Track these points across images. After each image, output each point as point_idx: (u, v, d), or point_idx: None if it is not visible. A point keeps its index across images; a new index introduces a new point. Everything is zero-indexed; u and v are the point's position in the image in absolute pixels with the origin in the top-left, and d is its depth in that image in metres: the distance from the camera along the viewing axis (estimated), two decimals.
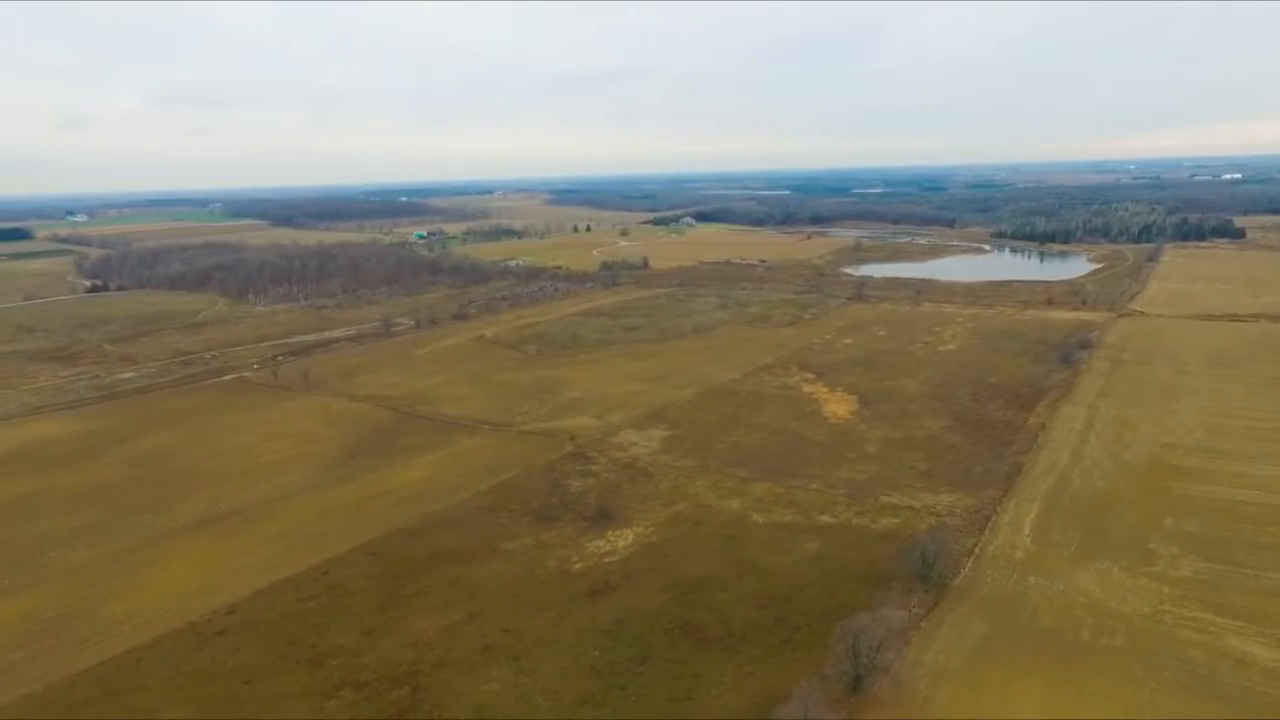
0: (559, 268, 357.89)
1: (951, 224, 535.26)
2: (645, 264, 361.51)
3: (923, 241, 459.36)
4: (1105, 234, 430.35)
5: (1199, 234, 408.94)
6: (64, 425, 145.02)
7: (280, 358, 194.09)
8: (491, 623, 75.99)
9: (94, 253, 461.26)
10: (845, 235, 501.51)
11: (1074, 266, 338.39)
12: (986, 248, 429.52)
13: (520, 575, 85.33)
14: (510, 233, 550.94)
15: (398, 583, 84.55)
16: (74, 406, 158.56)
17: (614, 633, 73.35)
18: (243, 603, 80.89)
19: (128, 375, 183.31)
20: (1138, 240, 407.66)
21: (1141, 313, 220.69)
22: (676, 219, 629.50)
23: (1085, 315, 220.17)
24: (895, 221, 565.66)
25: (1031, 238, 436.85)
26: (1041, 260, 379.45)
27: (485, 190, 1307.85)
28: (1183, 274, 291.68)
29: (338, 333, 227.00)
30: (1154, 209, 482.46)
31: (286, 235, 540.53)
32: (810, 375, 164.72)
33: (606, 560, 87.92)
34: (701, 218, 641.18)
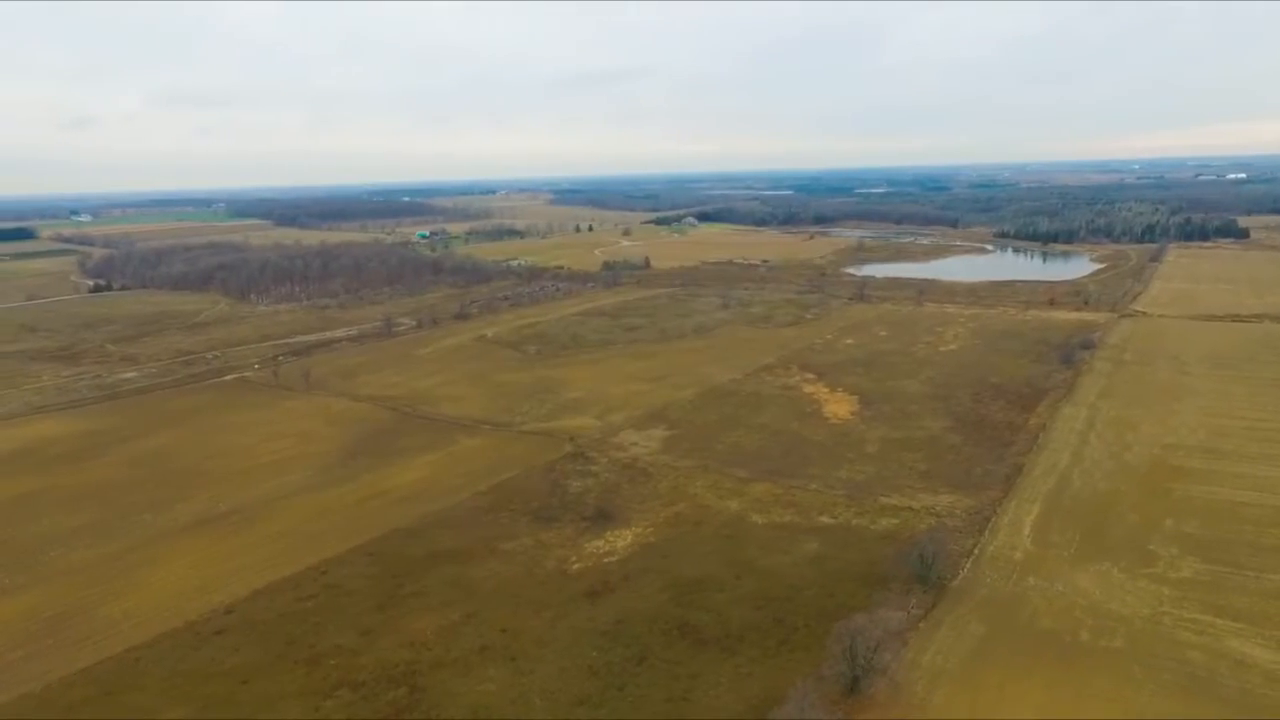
0: (561, 268, 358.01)
1: (954, 224, 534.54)
2: (647, 264, 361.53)
3: (925, 241, 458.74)
4: (1108, 234, 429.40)
5: (1202, 234, 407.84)
6: (65, 425, 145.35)
7: (281, 358, 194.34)
8: (489, 623, 75.98)
9: (97, 252, 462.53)
10: (848, 235, 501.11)
11: (1077, 267, 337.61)
12: (989, 248, 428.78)
13: (519, 575, 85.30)
14: (513, 233, 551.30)
15: (396, 583, 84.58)
16: (76, 406, 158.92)
17: (612, 633, 73.29)
18: (241, 602, 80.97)
19: (129, 375, 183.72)
20: (1141, 240, 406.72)
21: (1144, 313, 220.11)
22: (679, 219, 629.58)
23: (1087, 316, 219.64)
24: (898, 221, 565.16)
25: (1034, 238, 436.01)
26: (1044, 260, 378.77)
27: (488, 190, 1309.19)
28: (1186, 274, 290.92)
29: (339, 333, 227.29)
30: (1157, 209, 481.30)
31: (289, 235, 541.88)
32: (811, 375, 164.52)
33: (605, 560, 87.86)
34: (704, 218, 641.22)
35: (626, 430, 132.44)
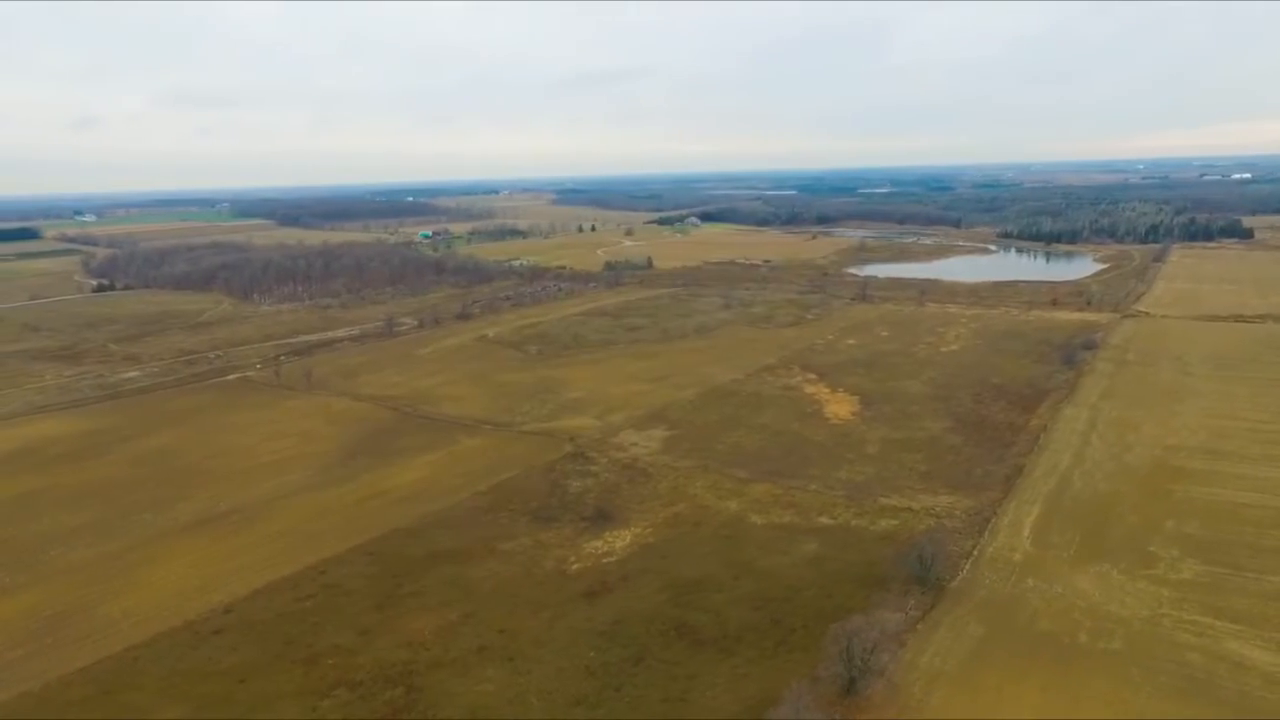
0: (563, 268, 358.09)
1: (957, 224, 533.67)
2: (649, 264, 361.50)
3: (928, 242, 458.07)
4: (1112, 234, 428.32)
5: (1207, 234, 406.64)
6: (67, 424, 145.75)
7: (283, 357, 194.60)
8: (487, 623, 76.02)
9: (101, 252, 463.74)
10: (850, 235, 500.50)
11: (1080, 267, 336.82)
12: (992, 248, 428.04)
13: (517, 576, 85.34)
14: (515, 232, 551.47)
15: (395, 582, 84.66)
16: (78, 406, 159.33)
17: (609, 633, 73.28)
18: (240, 602, 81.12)
19: (132, 375, 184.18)
20: (1145, 240, 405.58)
21: (1147, 313, 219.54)
22: (681, 219, 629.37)
23: (1090, 316, 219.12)
24: (901, 221, 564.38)
25: (1037, 238, 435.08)
26: (1047, 260, 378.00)
27: (491, 190, 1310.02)
28: (1189, 274, 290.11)
29: (341, 332, 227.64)
30: (1161, 209, 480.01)
31: (292, 235, 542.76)
32: (812, 376, 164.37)
33: (604, 561, 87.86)
34: (706, 218, 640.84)
35: (627, 430, 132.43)
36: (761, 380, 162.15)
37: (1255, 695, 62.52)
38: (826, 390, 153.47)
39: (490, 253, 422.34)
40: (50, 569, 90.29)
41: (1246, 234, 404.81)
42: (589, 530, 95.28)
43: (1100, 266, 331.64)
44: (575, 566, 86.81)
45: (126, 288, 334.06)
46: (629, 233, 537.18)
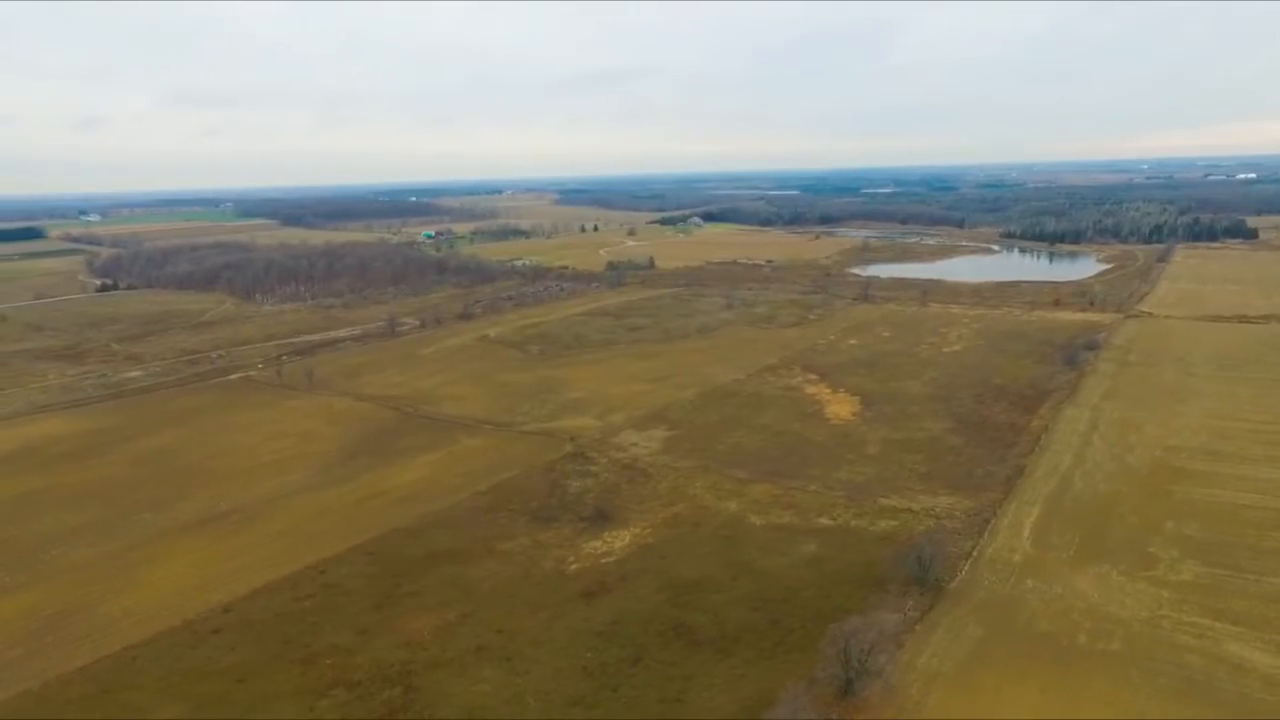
0: (565, 268, 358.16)
1: (961, 224, 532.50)
2: (651, 264, 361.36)
3: (931, 242, 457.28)
4: (1116, 234, 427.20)
5: (1211, 234, 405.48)
6: (69, 423, 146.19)
7: (285, 357, 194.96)
8: (486, 623, 76.08)
9: (105, 252, 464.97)
10: (853, 235, 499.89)
11: (1083, 267, 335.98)
12: (995, 248, 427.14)
13: (516, 576, 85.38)
14: (518, 232, 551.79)
15: (394, 582, 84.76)
16: (80, 405, 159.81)
17: (607, 634, 73.28)
18: (239, 601, 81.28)
19: (134, 374, 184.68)
20: (1149, 240, 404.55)
21: (1150, 314, 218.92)
22: (684, 219, 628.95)
23: (1092, 316, 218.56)
24: (904, 222, 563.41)
25: (1041, 238, 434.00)
26: (1050, 261, 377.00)
27: (494, 190, 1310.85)
28: (1193, 275, 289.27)
29: (343, 332, 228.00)
30: (1165, 209, 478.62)
31: (295, 235, 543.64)
32: (814, 376, 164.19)
33: (603, 561, 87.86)
34: (709, 218, 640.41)
35: (627, 430, 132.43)
36: (763, 380, 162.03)
37: (1255, 697, 62.30)
38: (828, 391, 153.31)
39: (493, 253, 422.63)
40: (51, 568, 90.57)
41: (1251, 234, 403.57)
42: (588, 530, 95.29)
43: (1104, 267, 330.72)
44: (574, 567, 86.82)
45: (130, 287, 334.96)
46: (631, 233, 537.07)
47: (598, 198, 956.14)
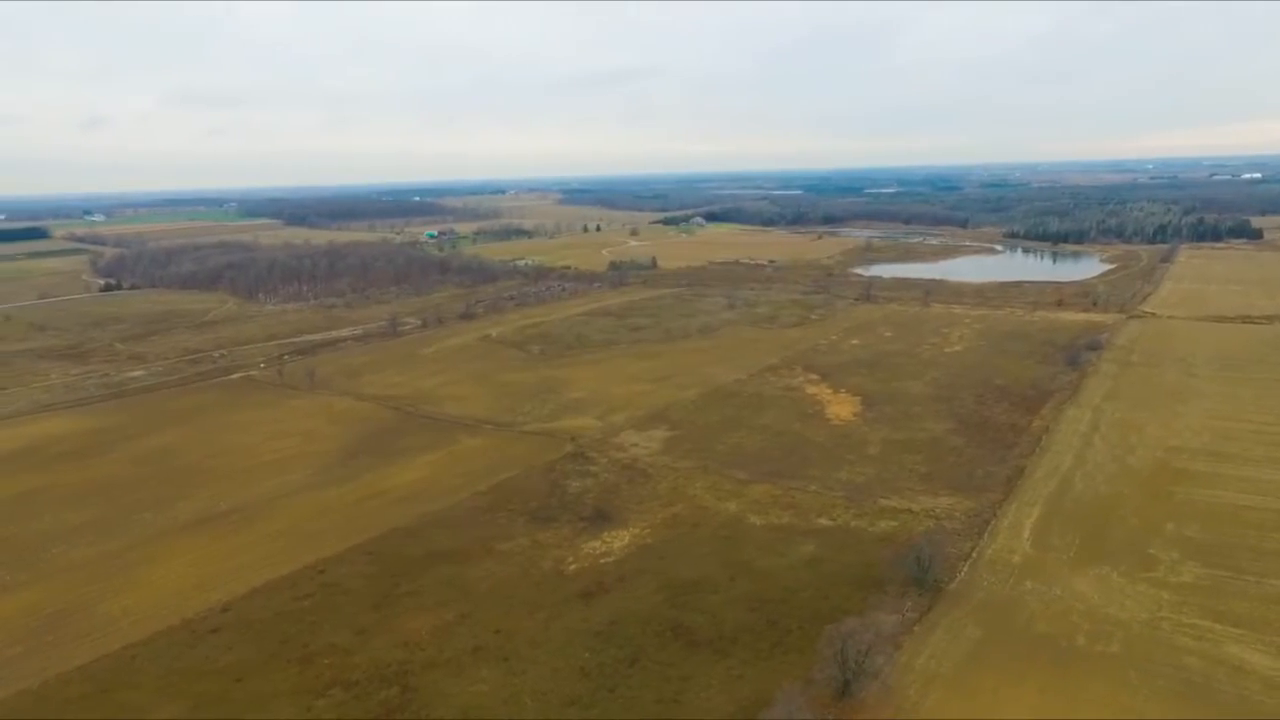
0: (567, 267, 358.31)
1: (964, 224, 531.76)
2: (654, 264, 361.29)
3: (934, 242, 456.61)
4: (1119, 234, 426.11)
5: (1215, 234, 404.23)
6: (72, 423, 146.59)
7: (287, 357, 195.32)
8: (484, 623, 76.07)
9: (109, 252, 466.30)
10: (856, 235, 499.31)
11: (1086, 267, 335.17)
12: (998, 248, 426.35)
13: (514, 576, 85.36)
14: (520, 232, 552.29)
15: (393, 582, 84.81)
16: (83, 404, 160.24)
17: (605, 634, 73.22)
18: (238, 601, 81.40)
19: (137, 374, 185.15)
20: (1153, 241, 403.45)
21: (1153, 314, 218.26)
22: (687, 219, 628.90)
23: (1095, 317, 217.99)
24: (907, 221, 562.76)
25: (1044, 238, 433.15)
26: (1054, 261, 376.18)
27: (498, 190, 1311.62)
28: (1197, 275, 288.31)
29: (345, 332, 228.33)
30: (1170, 209, 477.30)
31: (299, 235, 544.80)
32: (815, 376, 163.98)
33: (601, 561, 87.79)
34: (712, 218, 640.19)
35: (628, 431, 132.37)
36: (764, 381, 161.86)
37: (1254, 699, 62.05)
38: (829, 391, 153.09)
39: (495, 252, 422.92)
40: (51, 567, 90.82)
41: (1256, 234, 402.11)
42: (587, 531, 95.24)
43: (1107, 267, 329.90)
44: (573, 567, 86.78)
45: (133, 287, 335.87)
46: (634, 233, 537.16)
47: (601, 198, 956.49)
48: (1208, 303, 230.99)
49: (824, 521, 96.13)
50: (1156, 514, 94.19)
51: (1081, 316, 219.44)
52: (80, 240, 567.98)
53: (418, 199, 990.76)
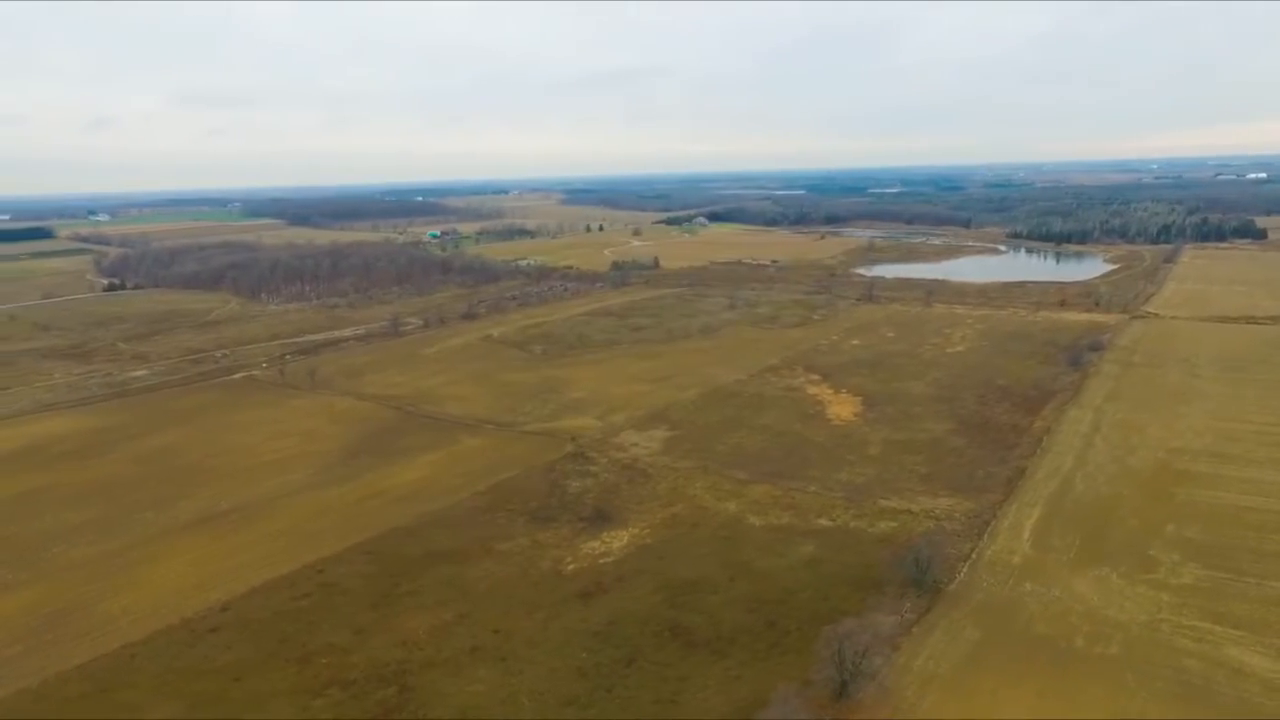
0: (570, 267, 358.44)
1: (967, 224, 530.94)
2: (656, 264, 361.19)
3: (937, 242, 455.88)
4: (1123, 234, 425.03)
5: (1219, 234, 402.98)
6: (74, 422, 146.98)
7: (289, 356, 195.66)
8: (482, 623, 76.11)
9: (113, 251, 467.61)
10: (859, 235, 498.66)
11: (1089, 267, 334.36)
12: (1001, 248, 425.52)
13: (513, 576, 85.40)
14: (523, 232, 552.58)
15: (392, 582, 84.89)
16: (85, 404, 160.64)
17: (603, 634, 73.22)
18: (237, 600, 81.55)
19: (139, 373, 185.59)
20: (1156, 241, 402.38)
21: (1155, 315, 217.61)
22: (689, 219, 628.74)
23: (1098, 317, 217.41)
24: (910, 221, 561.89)
25: (1047, 238, 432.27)
26: (1057, 261, 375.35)
27: (501, 190, 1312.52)
28: (1200, 275, 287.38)
29: (347, 332, 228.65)
30: (1174, 209, 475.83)
31: (302, 234, 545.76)
32: (816, 377, 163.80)
33: (600, 561, 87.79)
34: (715, 218, 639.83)
35: (628, 431, 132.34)
36: (764, 381, 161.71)
37: (1254, 702, 61.82)
38: (829, 391, 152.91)
39: (498, 252, 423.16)
40: (51, 566, 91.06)
41: (1260, 234, 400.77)
42: (587, 531, 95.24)
43: (1110, 267, 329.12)
44: (571, 567, 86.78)
45: (137, 287, 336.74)
46: (637, 233, 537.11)
47: (604, 198, 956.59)
48: (1211, 303, 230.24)
49: (823, 522, 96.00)
50: (1157, 515, 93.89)
51: (1084, 317, 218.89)
52: (85, 240, 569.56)
53: (420, 199, 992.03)
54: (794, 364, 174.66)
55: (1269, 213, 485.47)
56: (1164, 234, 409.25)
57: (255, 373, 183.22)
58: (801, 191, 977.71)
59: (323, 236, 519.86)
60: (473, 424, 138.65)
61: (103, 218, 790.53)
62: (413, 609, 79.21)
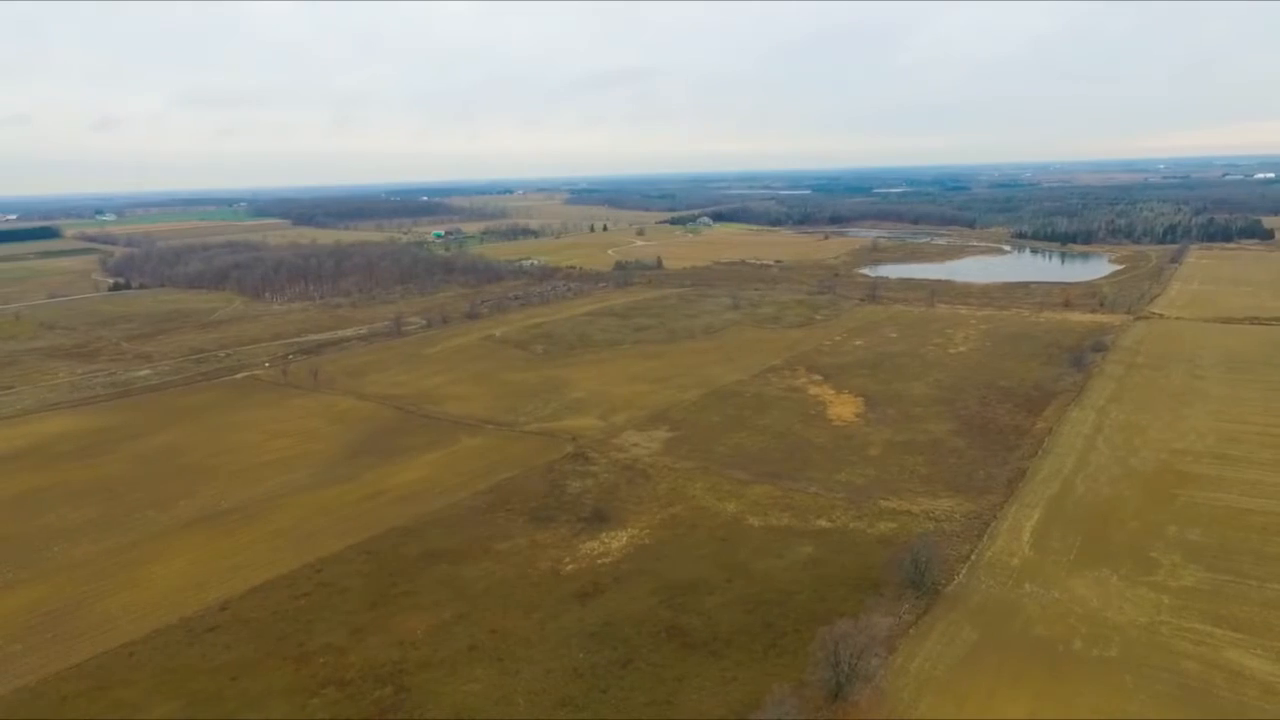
0: (573, 267, 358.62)
1: (972, 224, 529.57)
2: (659, 264, 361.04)
3: (941, 242, 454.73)
4: (1129, 234, 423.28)
5: (1226, 234, 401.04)
6: (77, 421, 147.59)
7: (291, 356, 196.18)
8: (479, 623, 76.15)
9: (119, 251, 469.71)
10: (863, 235, 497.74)
11: (1094, 268, 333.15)
12: (1006, 248, 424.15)
13: (511, 576, 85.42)
14: (527, 232, 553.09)
15: (390, 581, 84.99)
16: (89, 403, 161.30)
17: (600, 635, 73.19)
18: (236, 599, 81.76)
19: (143, 372, 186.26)
20: (1162, 241, 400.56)
21: (1160, 315, 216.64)
22: (693, 219, 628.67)
23: (1102, 318, 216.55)
24: (915, 221, 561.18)
25: (1052, 238, 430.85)
26: (1061, 261, 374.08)
27: (506, 190, 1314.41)
28: (1206, 276, 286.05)
29: (349, 331, 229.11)
30: (1180, 209, 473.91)
31: (306, 234, 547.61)
32: (818, 377, 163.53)
33: (599, 562, 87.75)
34: (719, 217, 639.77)
35: (629, 431, 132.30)
36: (766, 381, 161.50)
37: (1253, 705, 61.50)
38: (831, 392, 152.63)
39: (501, 252, 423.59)
40: (52, 564, 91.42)
41: (1267, 235, 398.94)
42: (585, 531, 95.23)
43: (1115, 267, 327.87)
44: (570, 567, 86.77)
45: (142, 286, 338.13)
46: (640, 232, 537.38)
47: (609, 197, 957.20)
48: (1216, 304, 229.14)
49: (823, 523, 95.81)
50: (1158, 517, 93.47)
51: (1088, 318, 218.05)
52: (91, 240, 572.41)
53: (425, 199, 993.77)
54: (796, 364, 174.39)
55: (1276, 213, 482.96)
56: (1170, 234, 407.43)
57: (258, 372, 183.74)
58: (806, 191, 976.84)
59: (327, 236, 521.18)
60: (473, 424, 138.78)
61: (109, 217, 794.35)
62: (410, 609, 79.29)
